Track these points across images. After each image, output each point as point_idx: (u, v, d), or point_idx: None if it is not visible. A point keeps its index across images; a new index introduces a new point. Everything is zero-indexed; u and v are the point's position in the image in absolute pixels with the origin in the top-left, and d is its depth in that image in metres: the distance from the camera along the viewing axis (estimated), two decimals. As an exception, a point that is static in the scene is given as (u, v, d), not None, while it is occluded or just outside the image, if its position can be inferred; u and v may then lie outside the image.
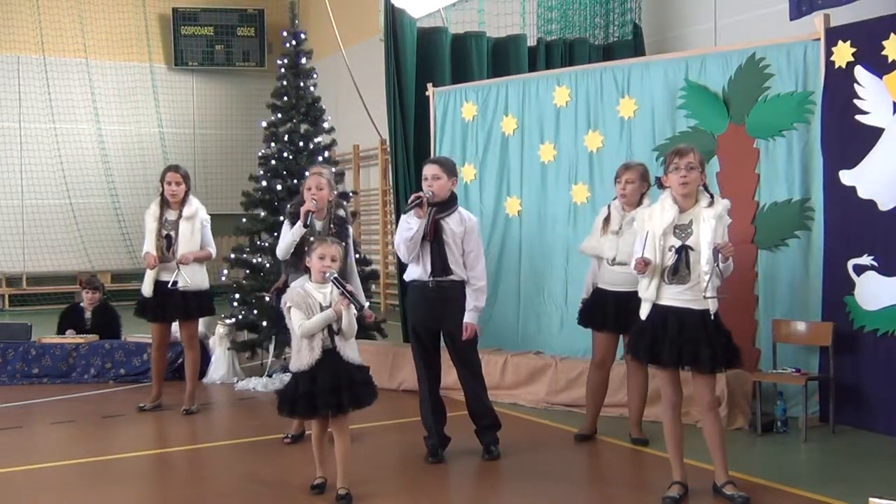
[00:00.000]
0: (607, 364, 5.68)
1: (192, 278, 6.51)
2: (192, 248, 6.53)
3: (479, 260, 5.21)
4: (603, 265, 5.54)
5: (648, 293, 4.37)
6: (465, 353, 5.25)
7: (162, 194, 6.58)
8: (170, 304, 6.53)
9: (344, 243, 5.58)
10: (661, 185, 4.46)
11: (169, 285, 6.47)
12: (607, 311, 5.50)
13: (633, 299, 5.38)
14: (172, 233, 6.52)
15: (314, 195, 5.50)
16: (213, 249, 6.74)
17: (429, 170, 5.17)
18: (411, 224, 5.06)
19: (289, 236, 5.50)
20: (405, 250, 5.10)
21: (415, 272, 5.21)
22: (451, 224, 5.14)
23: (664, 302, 4.35)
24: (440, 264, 5.10)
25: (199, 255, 6.59)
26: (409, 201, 5.08)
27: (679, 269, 4.29)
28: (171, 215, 6.56)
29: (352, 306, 4.39)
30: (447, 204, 5.15)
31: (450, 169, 5.21)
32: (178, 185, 6.56)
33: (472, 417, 5.36)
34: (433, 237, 5.08)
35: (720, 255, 4.19)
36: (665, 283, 4.33)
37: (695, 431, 5.01)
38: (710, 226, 4.24)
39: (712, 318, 4.30)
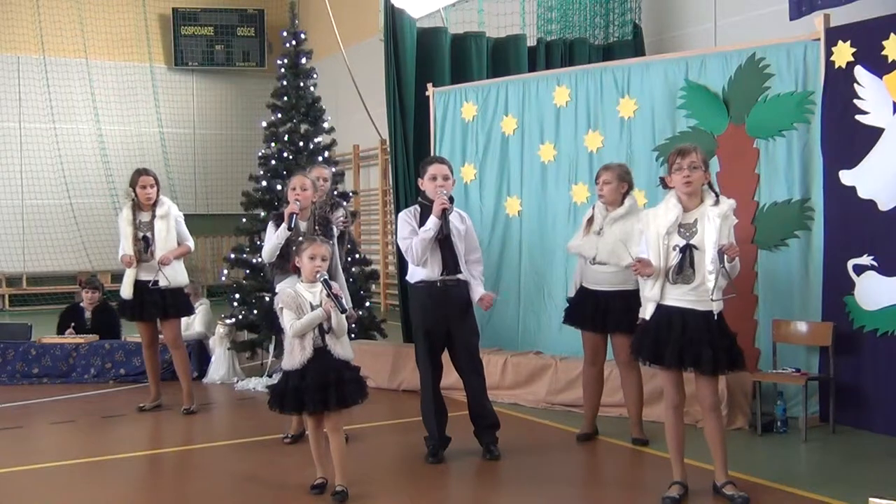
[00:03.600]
0: (598, 361, 5.70)
1: (173, 278, 6.60)
2: (169, 247, 6.59)
3: (480, 255, 5.39)
4: (586, 264, 5.58)
5: (652, 293, 4.35)
6: (470, 354, 5.26)
7: (134, 198, 6.61)
8: (148, 302, 6.58)
9: (330, 243, 5.64)
10: (665, 185, 4.44)
11: (150, 285, 6.53)
12: (587, 309, 5.55)
13: (613, 299, 5.45)
14: (149, 234, 6.57)
15: (298, 196, 5.50)
16: (190, 243, 6.84)
17: (440, 169, 5.20)
18: (428, 226, 5.06)
19: (274, 239, 5.50)
20: (420, 251, 5.09)
21: (421, 273, 5.20)
22: (455, 222, 5.19)
23: (668, 302, 4.32)
24: (452, 262, 5.14)
25: (178, 252, 6.66)
26: (439, 209, 5.05)
27: (683, 269, 4.26)
28: (144, 217, 6.62)
29: (342, 303, 4.44)
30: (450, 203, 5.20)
31: (452, 168, 5.32)
32: (152, 188, 6.63)
33: (472, 418, 5.35)
34: (443, 236, 5.11)
35: (725, 257, 4.18)
36: (669, 283, 4.30)
37: (695, 431, 5.02)
38: (715, 225, 4.21)
39: (716, 318, 4.28)
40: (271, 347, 7.84)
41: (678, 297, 4.30)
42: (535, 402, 6.66)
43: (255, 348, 8.15)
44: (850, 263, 5.79)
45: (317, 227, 5.61)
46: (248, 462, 5.38)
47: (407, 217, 5.23)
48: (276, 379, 7.43)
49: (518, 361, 6.86)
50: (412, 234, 5.13)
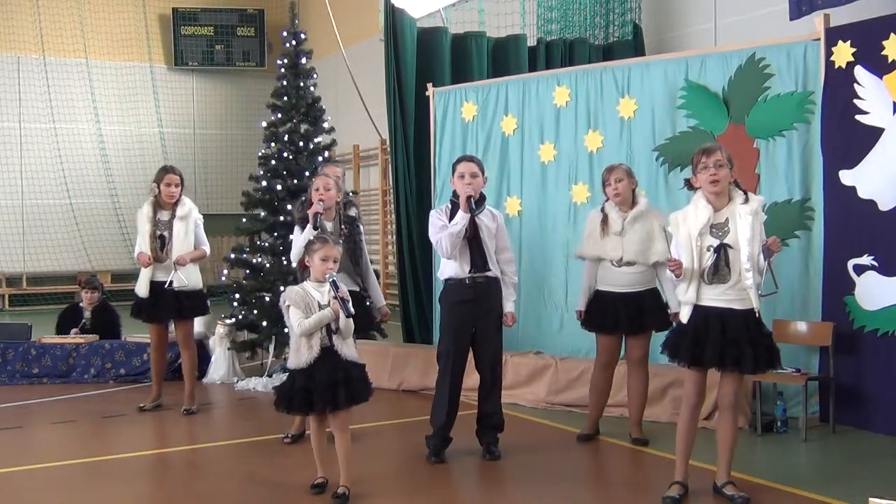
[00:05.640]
0: (613, 365, 5.67)
1: (188, 279, 6.54)
2: (186, 248, 6.55)
3: (512, 254, 5.42)
4: (606, 267, 5.51)
5: (688, 296, 4.31)
6: (493, 354, 5.28)
7: (156, 195, 6.59)
8: (163, 303, 6.55)
9: (356, 240, 5.60)
10: (690, 186, 4.42)
11: (165, 286, 6.49)
12: (618, 313, 5.46)
13: (643, 298, 5.43)
14: (166, 233, 6.53)
15: (322, 196, 5.48)
16: (206, 248, 6.77)
17: (467, 167, 5.21)
18: (456, 220, 5.09)
19: (301, 240, 5.47)
20: (449, 245, 5.12)
21: (451, 269, 5.23)
22: (486, 220, 5.22)
23: (705, 303, 4.29)
24: (480, 260, 5.16)
25: (194, 255, 6.61)
26: (464, 202, 5.08)
27: (719, 269, 4.24)
28: (163, 216, 6.57)
29: (348, 308, 4.39)
30: (480, 201, 5.22)
31: (482, 167, 5.32)
32: (177, 187, 6.58)
33: (479, 418, 5.36)
34: (472, 234, 5.13)
35: (770, 252, 4.17)
36: (705, 283, 4.28)
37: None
38: (747, 222, 4.20)
39: (757, 315, 4.27)
40: (271, 347, 7.85)
41: (715, 297, 4.28)
42: (535, 402, 6.66)
43: (255, 348, 8.14)
44: (851, 263, 5.79)
45: (343, 226, 5.60)
46: (248, 462, 5.38)
47: (438, 214, 5.29)
48: (275, 378, 7.52)
49: (518, 361, 6.86)
50: (442, 229, 5.17)
